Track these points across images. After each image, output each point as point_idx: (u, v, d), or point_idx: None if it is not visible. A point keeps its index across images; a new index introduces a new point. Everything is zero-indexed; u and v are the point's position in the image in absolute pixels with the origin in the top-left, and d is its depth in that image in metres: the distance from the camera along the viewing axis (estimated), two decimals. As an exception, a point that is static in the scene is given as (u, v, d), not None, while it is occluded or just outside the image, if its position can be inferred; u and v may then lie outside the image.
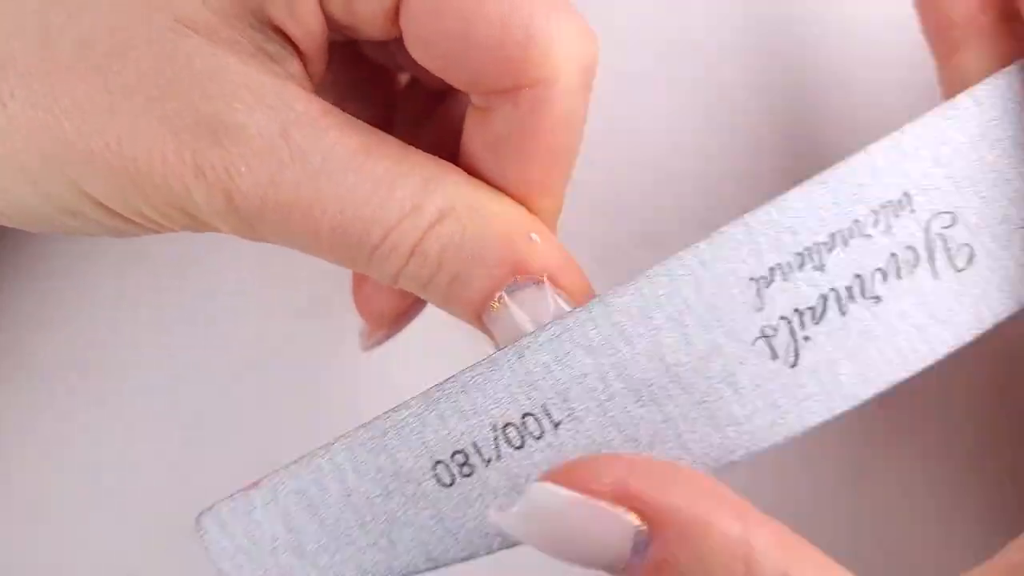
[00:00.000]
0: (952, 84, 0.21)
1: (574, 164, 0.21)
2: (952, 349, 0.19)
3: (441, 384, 0.18)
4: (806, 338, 0.19)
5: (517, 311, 0.19)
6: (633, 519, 0.16)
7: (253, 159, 0.18)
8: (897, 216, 0.19)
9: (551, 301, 0.19)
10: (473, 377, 0.18)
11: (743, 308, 0.19)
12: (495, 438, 0.18)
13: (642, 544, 0.16)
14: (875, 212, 0.19)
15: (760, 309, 0.19)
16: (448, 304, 0.20)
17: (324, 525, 0.18)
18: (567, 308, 0.19)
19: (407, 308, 0.24)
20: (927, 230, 0.19)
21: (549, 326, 0.18)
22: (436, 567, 0.18)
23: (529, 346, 0.18)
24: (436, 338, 0.25)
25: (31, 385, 0.27)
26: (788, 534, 0.16)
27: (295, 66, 0.19)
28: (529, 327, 0.19)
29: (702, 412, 0.18)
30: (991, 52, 0.20)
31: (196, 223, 0.19)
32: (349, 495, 0.18)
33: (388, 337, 0.24)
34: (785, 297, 0.19)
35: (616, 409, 0.18)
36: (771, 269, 0.19)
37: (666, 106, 0.27)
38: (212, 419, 0.27)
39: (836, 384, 0.18)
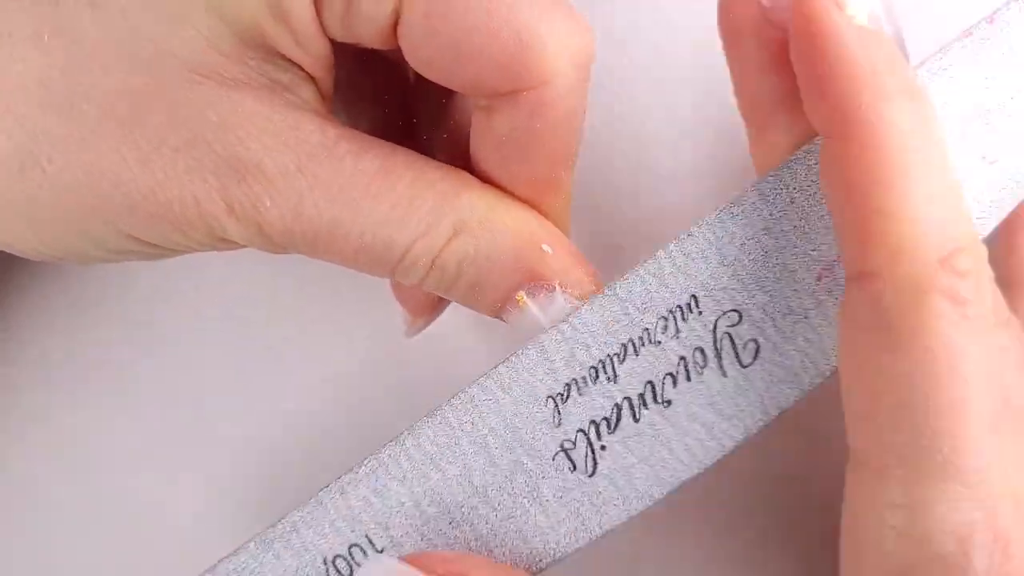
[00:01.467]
0: (763, 163, 0.21)
1: (577, 157, 0.22)
2: (739, 443, 0.20)
3: (274, 525, 0.20)
4: (603, 447, 0.20)
5: (535, 310, 0.21)
6: None
7: (276, 194, 0.20)
8: (685, 320, 0.20)
9: (563, 303, 0.21)
10: (303, 516, 0.20)
11: (542, 426, 0.20)
12: (326, 570, 0.20)
13: None
14: (664, 319, 0.20)
15: (558, 425, 0.20)
16: (469, 305, 0.22)
17: None
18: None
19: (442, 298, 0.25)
20: (714, 331, 0.20)
21: (366, 461, 0.20)
22: None
23: (350, 483, 0.20)
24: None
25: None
26: None
27: (308, 91, 0.21)
28: (546, 323, 0.20)
29: (511, 527, 0.20)
30: (799, 131, 0.20)
31: (230, 245, 0.21)
32: None
33: (429, 323, 0.26)
34: (581, 410, 0.20)
35: (432, 532, 0.20)
36: (567, 385, 0.20)
37: (666, 105, 0.28)
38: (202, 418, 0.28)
39: (631, 488, 0.20)
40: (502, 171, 0.21)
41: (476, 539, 0.20)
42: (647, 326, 0.20)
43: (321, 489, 0.20)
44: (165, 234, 0.20)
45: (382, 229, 0.20)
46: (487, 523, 0.20)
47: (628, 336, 0.20)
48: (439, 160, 0.21)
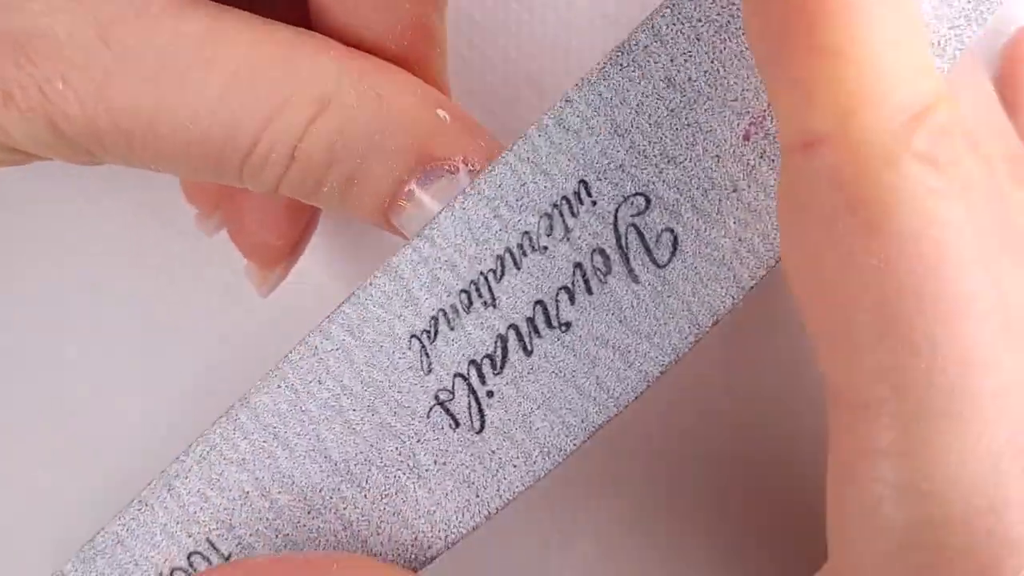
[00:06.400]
0: None
1: None
2: (666, 368, 0.15)
3: (92, 539, 0.16)
4: (489, 393, 0.15)
5: (433, 205, 0.16)
6: None
7: (72, 73, 0.15)
8: (575, 215, 0.15)
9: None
10: (125, 524, 0.16)
11: (409, 375, 0.15)
12: None
13: None
14: (547, 216, 0.15)
15: (429, 371, 0.15)
16: (348, 209, 0.17)
17: None
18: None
19: (300, 233, 0.20)
20: (615, 224, 0.15)
21: (195, 445, 0.16)
22: None
23: (177, 475, 0.16)
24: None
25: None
26: None
27: None
28: None
29: (386, 509, 0.15)
30: None
31: (19, 157, 0.16)
32: None
33: (286, 274, 0.20)
34: (456, 349, 0.15)
35: (288, 526, 0.16)
36: (433, 318, 0.15)
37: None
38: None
39: (533, 441, 0.15)
40: (352, 25, 0.16)
41: (344, 528, 0.16)
42: (527, 228, 0.15)
43: (144, 487, 0.16)
44: None
45: (220, 109, 0.15)
46: (355, 507, 0.16)
47: (503, 245, 0.15)
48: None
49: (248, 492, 0.16)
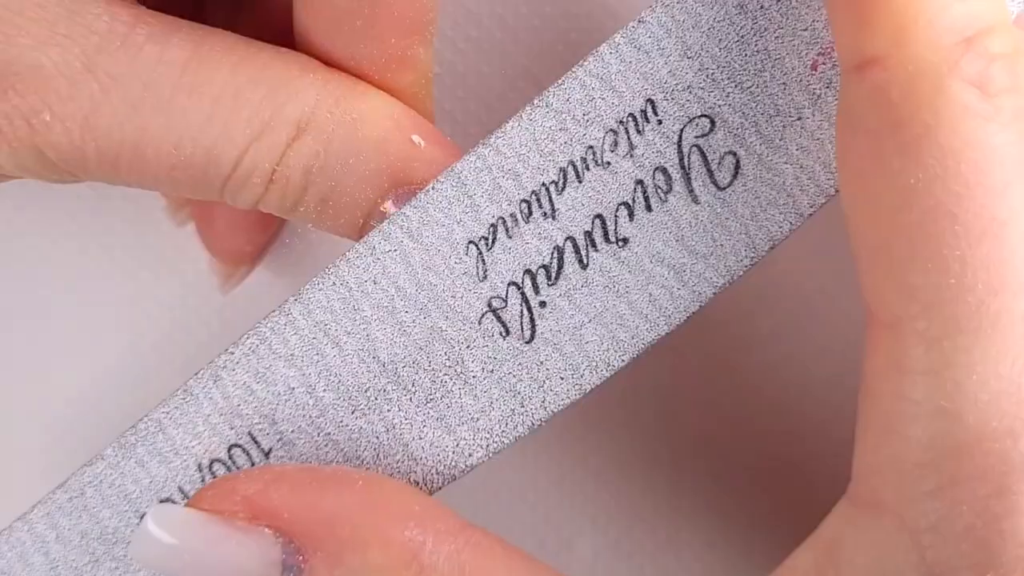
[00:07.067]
0: None
1: (436, 24, 0.17)
2: (719, 290, 0.15)
3: (135, 425, 0.16)
4: (542, 304, 0.15)
5: None
6: (274, 537, 0.13)
7: (58, 104, 0.15)
8: (640, 132, 0.15)
9: None
10: (169, 412, 0.16)
11: (464, 280, 0.15)
12: (203, 478, 0.16)
13: (293, 568, 0.13)
14: (613, 132, 0.15)
15: (484, 278, 0.15)
16: (323, 226, 0.17)
17: None
18: None
19: (268, 238, 0.21)
20: (679, 143, 0.15)
21: (245, 338, 0.16)
22: None
23: (225, 366, 0.16)
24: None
25: None
26: (481, 547, 0.13)
27: None
28: None
29: (430, 414, 0.15)
30: None
31: (9, 178, 0.17)
32: (55, 568, 0.16)
33: (248, 274, 0.21)
34: (512, 257, 0.15)
35: (331, 425, 0.16)
36: (492, 226, 0.15)
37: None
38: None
39: (582, 355, 0.15)
40: (334, 52, 0.16)
41: (386, 430, 0.16)
42: (591, 143, 0.15)
43: (191, 377, 0.16)
44: None
45: (203, 135, 0.16)
46: (400, 409, 0.16)
47: (567, 158, 0.15)
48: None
49: (294, 388, 0.16)
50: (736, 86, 0.15)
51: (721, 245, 0.15)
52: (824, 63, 0.15)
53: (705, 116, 0.15)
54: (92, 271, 0.23)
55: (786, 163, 0.15)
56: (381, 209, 0.16)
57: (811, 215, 0.15)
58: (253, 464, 0.16)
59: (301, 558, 0.13)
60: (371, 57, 0.17)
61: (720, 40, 0.15)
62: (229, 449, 0.16)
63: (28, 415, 0.24)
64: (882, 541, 0.13)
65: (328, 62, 0.17)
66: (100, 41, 0.15)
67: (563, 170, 0.15)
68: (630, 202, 0.15)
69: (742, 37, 0.15)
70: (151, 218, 0.22)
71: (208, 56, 0.16)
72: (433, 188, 0.15)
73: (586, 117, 0.15)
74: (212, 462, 0.16)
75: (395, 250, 0.15)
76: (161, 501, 0.16)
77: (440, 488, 0.16)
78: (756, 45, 0.15)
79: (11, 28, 0.15)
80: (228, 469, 0.16)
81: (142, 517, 0.16)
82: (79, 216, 0.23)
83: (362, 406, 0.16)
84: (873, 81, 0.13)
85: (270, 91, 0.16)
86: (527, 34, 0.22)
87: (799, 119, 0.15)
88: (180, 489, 0.16)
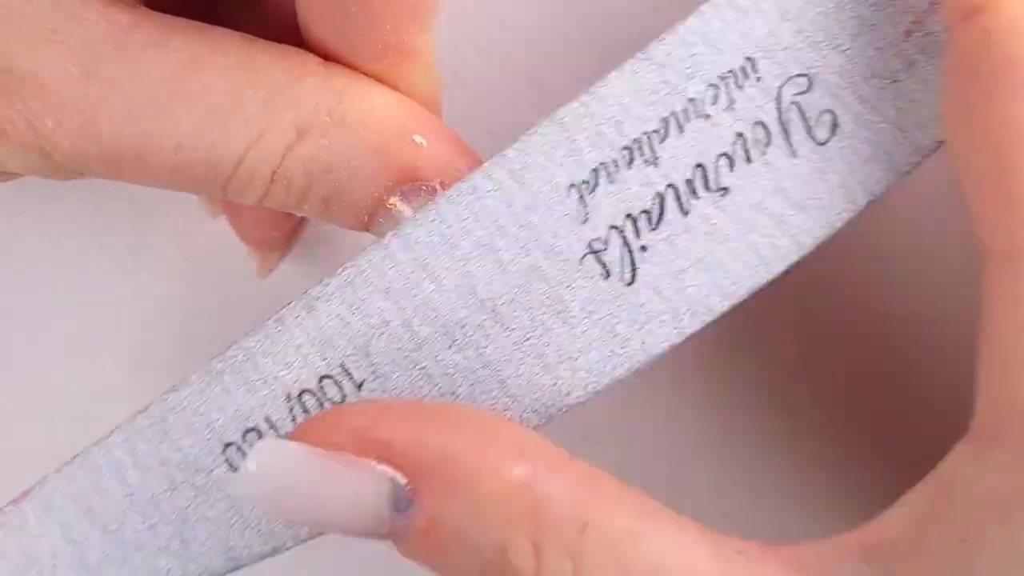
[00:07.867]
0: None
1: (434, 12, 0.17)
2: (820, 240, 0.16)
3: (223, 353, 0.16)
4: (643, 248, 0.16)
5: (411, 214, 0.16)
6: (386, 470, 0.13)
7: (59, 110, 0.15)
8: (740, 87, 0.16)
9: None
10: (259, 341, 0.16)
11: (565, 222, 0.16)
12: (291, 409, 0.16)
13: (404, 501, 0.13)
14: (714, 86, 0.16)
15: (585, 220, 0.16)
16: (329, 220, 0.17)
17: (107, 532, 0.16)
18: None
19: (295, 224, 0.21)
20: (778, 100, 0.16)
21: (341, 270, 0.16)
22: (238, 566, 0.15)
23: (320, 297, 0.16)
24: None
25: None
26: (592, 477, 0.13)
27: None
28: None
29: (528, 351, 0.16)
30: None
31: (4, 176, 0.17)
32: (131, 494, 0.16)
33: (283, 257, 0.21)
34: (614, 202, 0.16)
35: (427, 359, 0.16)
36: (594, 171, 0.16)
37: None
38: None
39: (682, 299, 0.15)
40: (330, 44, 0.17)
41: (483, 366, 0.16)
42: (693, 96, 0.16)
43: (284, 306, 0.16)
44: None
45: (203, 138, 0.16)
46: (497, 346, 0.16)
47: (669, 109, 0.16)
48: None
49: (389, 321, 0.16)
50: (833, 48, 0.16)
51: (820, 197, 0.16)
52: (917, 31, 0.16)
53: (803, 75, 0.16)
54: (92, 271, 0.23)
55: (882, 122, 0.16)
56: (388, 205, 0.17)
57: (908, 172, 0.16)
58: (344, 397, 0.16)
59: (412, 492, 0.13)
60: (370, 47, 0.17)
61: (817, 5, 0.16)
62: (320, 380, 0.16)
63: (28, 415, 0.24)
64: (1001, 472, 0.13)
65: (328, 54, 0.17)
66: (97, 46, 0.16)
67: (665, 120, 0.16)
68: (730, 153, 0.16)
69: (839, 3, 0.16)
70: (151, 218, 0.23)
71: (207, 60, 0.16)
72: (536, 132, 0.16)
73: (688, 72, 0.16)
74: (302, 392, 0.16)
75: (497, 189, 0.16)
76: (247, 431, 0.16)
77: (535, 428, 0.15)
78: (852, 11, 0.16)
79: (8, 34, 0.15)
80: (318, 400, 0.16)
81: (226, 446, 0.15)
82: (79, 216, 0.23)
83: (459, 341, 0.16)
84: (978, 26, 0.14)
85: (269, 95, 0.16)
86: (527, 33, 0.22)
87: (894, 82, 0.16)
88: (267, 419, 0.16)
